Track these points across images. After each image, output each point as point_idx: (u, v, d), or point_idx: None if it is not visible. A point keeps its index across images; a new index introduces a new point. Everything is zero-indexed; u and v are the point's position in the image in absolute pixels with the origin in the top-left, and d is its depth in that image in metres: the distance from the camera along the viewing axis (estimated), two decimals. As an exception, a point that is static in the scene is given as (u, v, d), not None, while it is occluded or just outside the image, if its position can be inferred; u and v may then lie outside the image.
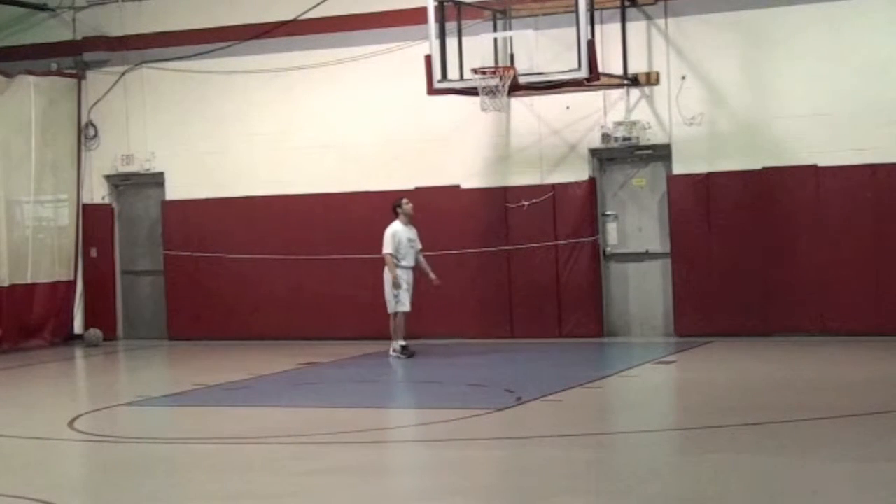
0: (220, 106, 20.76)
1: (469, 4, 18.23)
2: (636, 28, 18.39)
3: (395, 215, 17.57)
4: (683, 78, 18.29)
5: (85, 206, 21.76)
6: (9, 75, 21.02)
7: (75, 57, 21.56)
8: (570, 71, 16.75)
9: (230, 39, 20.54)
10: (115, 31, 21.39)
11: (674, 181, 18.43)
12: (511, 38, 17.72)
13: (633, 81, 18.35)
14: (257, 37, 20.33)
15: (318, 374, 16.56)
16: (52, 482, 10.37)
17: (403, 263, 17.38)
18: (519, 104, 18.91)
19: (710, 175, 18.19)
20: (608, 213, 18.98)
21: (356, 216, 19.38)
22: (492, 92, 16.86)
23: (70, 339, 21.57)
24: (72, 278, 21.68)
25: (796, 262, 17.76)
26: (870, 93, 17.38)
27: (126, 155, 21.42)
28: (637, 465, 10.30)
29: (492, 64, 17.17)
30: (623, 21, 18.26)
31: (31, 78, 21.13)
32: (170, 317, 21.20)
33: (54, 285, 21.42)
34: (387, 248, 17.36)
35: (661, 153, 18.61)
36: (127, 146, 21.43)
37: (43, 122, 21.22)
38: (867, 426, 11.32)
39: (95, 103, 21.59)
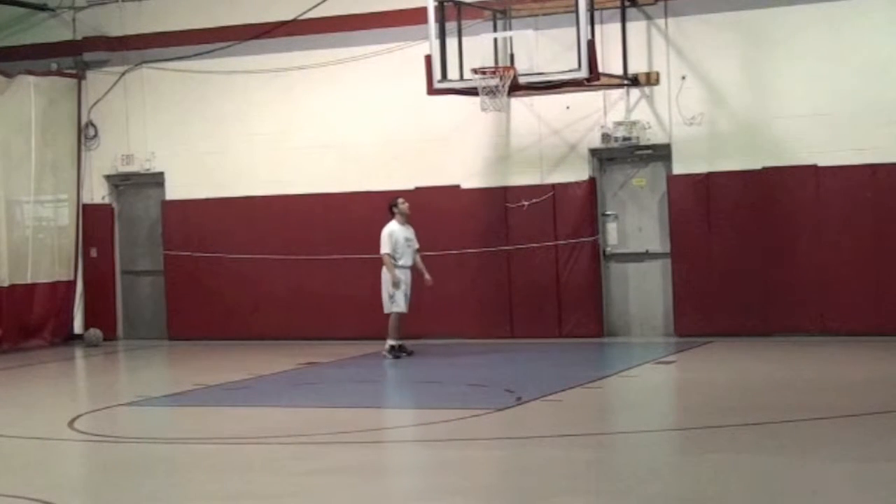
0: (220, 106, 20.76)
1: (469, 4, 18.23)
2: (636, 28, 18.39)
3: (392, 215, 17.56)
4: (683, 78, 18.29)
5: (85, 206, 21.76)
6: (9, 75, 21.02)
7: (75, 57, 21.56)
8: (570, 71, 16.75)
9: (230, 39, 20.54)
10: (115, 31, 21.39)
11: (674, 181, 18.43)
12: (511, 38, 17.72)
13: (633, 81, 18.35)
14: (257, 37, 20.33)
15: (318, 374, 16.56)
16: (52, 482, 10.37)
17: (401, 263, 17.36)
18: (519, 104, 18.91)
19: (710, 175, 18.19)
20: (608, 213, 18.98)
21: (356, 216, 19.38)
22: (492, 92, 16.86)
23: (70, 339, 21.57)
24: (72, 278, 21.68)
25: (796, 262, 17.76)
26: (870, 93, 17.38)
27: (126, 155, 21.42)
28: (637, 465, 10.30)
29: (492, 64, 17.17)
30: (623, 21, 18.26)
31: (31, 78, 21.13)
32: (170, 317, 21.20)
33: (54, 285, 21.42)
34: (384, 249, 17.35)
35: (661, 153, 18.61)
36: (127, 146, 21.43)
37: (43, 122, 21.22)
38: (867, 426, 11.32)
39: (95, 103, 21.59)
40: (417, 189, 19.32)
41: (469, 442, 11.45)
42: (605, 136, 18.67)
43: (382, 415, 13.89)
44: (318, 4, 19.79)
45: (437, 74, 17.31)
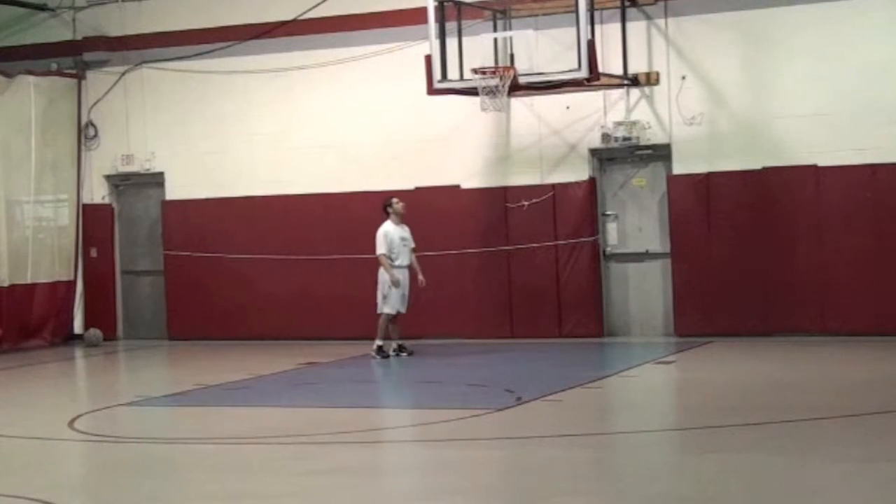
0: (220, 106, 20.76)
1: (469, 4, 18.23)
2: (636, 28, 18.39)
3: (387, 215, 17.55)
4: (683, 78, 18.29)
5: (85, 206, 21.76)
6: (9, 75, 21.01)
7: (75, 57, 21.56)
8: (570, 71, 16.75)
9: (230, 39, 20.54)
10: (115, 31, 21.39)
11: (674, 181, 18.43)
12: (511, 38, 17.71)
13: (633, 81, 18.35)
14: (257, 37, 20.33)
15: (318, 374, 16.56)
16: (52, 482, 10.37)
17: (397, 263, 17.34)
18: (519, 104, 18.91)
19: (710, 175, 18.19)
20: (608, 213, 18.97)
21: (356, 216, 19.36)
22: (492, 92, 16.86)
23: (70, 339, 21.57)
24: (72, 278, 21.68)
25: (796, 262, 17.76)
26: (870, 93, 17.38)
27: (126, 155, 21.42)
28: (637, 465, 10.31)
29: (492, 64, 17.17)
30: (623, 21, 18.26)
31: (31, 78, 21.13)
32: (170, 317, 21.20)
33: (54, 285, 21.42)
34: (380, 249, 17.34)
35: (661, 153, 18.61)
36: (127, 146, 21.43)
37: (43, 122, 21.22)
38: (867, 426, 11.32)
39: (95, 103, 21.59)
40: (417, 189, 19.32)
41: (469, 442, 11.45)
42: (605, 136, 18.67)
43: (382, 415, 13.89)
44: (318, 4, 19.79)
45: (437, 74, 17.31)
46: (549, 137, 19.00)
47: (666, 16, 18.34)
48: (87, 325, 21.50)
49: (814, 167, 17.64)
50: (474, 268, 19.28)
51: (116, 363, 19.84)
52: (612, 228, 18.95)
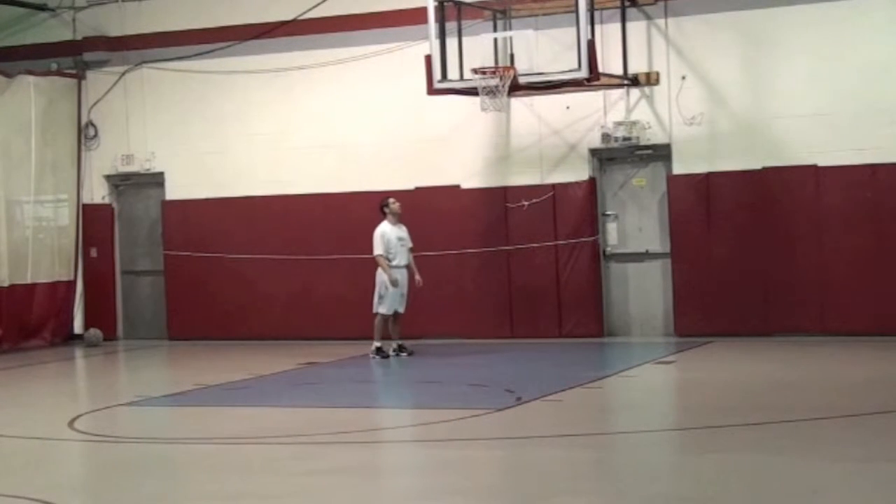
0: (220, 106, 20.76)
1: (469, 4, 18.23)
2: (636, 28, 18.39)
3: (383, 215, 17.54)
4: (683, 78, 18.29)
5: (85, 206, 21.76)
6: (9, 75, 21.02)
7: (75, 57, 21.56)
8: (570, 71, 16.75)
9: (230, 39, 20.54)
10: (115, 31, 21.40)
11: (674, 181, 18.43)
12: (511, 38, 17.71)
13: (633, 81, 18.35)
14: (257, 37, 20.33)
15: (318, 374, 16.56)
16: (52, 482, 10.36)
17: (395, 263, 17.33)
18: (519, 104, 18.91)
19: (710, 175, 18.19)
20: (608, 213, 18.98)
21: (356, 216, 19.35)
22: (492, 92, 16.86)
23: (70, 339, 21.57)
24: (72, 278, 21.68)
25: (796, 262, 17.76)
26: (870, 93, 17.38)
27: (126, 155, 21.43)
28: (637, 465, 10.31)
29: (492, 64, 17.17)
30: (623, 21, 18.26)
31: (31, 78, 21.14)
32: (170, 317, 21.20)
33: (54, 285, 21.42)
34: (377, 250, 17.33)
35: (661, 153, 18.61)
36: (127, 146, 21.43)
37: (43, 122, 21.22)
38: (867, 426, 11.32)
39: (95, 103, 21.59)
40: (417, 189, 19.33)
41: (469, 442, 11.45)
42: (605, 136, 18.67)
43: (382, 415, 13.89)
44: (318, 4, 19.80)
45: (437, 74, 17.31)
46: (549, 137, 19.00)
47: (666, 16, 18.34)
48: (87, 325, 21.51)
49: (814, 167, 17.64)
50: (474, 268, 19.28)
51: (116, 363, 19.84)
52: (612, 228, 18.95)
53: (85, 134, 21.71)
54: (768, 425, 11.40)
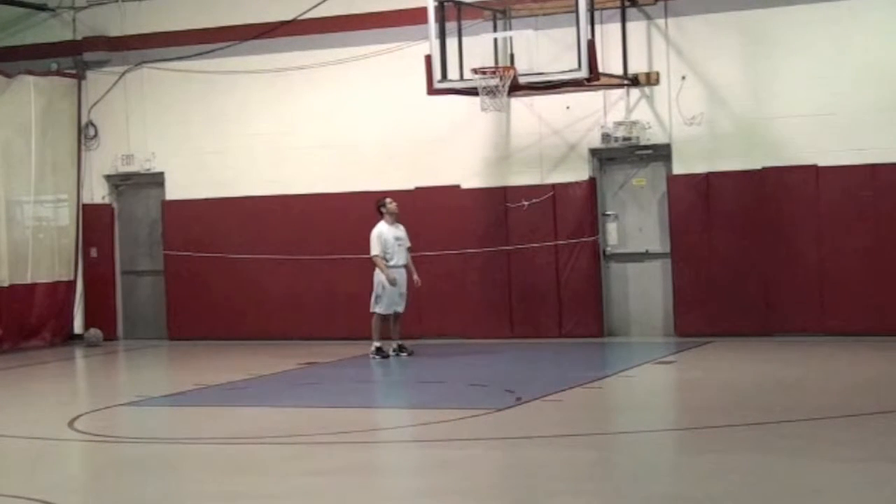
0: (220, 106, 20.76)
1: (469, 4, 18.23)
2: (636, 28, 18.39)
3: (380, 215, 17.53)
4: (683, 78, 18.29)
5: (85, 206, 21.76)
6: (9, 75, 21.02)
7: (75, 57, 21.56)
8: (570, 71, 16.75)
9: (230, 39, 20.54)
10: (115, 31, 21.40)
11: (674, 181, 18.43)
12: (511, 38, 17.73)
13: (633, 81, 18.35)
14: (258, 37, 20.33)
15: (318, 374, 16.56)
16: (52, 482, 10.37)
17: (392, 263, 17.31)
18: (519, 104, 18.91)
19: (710, 175, 18.19)
20: (608, 213, 18.97)
21: (356, 216, 19.33)
22: (492, 92, 16.86)
23: (70, 339, 21.57)
24: (72, 278, 21.68)
25: (796, 262, 17.76)
26: (870, 93, 17.38)
27: (126, 155, 21.43)
28: (637, 465, 10.31)
29: (492, 64, 17.18)
30: (623, 21, 18.26)
31: (31, 78, 21.13)
32: (170, 317, 21.20)
33: (54, 285, 21.42)
34: (374, 251, 17.31)
35: (661, 153, 18.61)
36: (127, 146, 21.43)
37: (43, 122, 21.22)
38: (867, 426, 11.32)
39: (95, 103, 21.59)
40: (417, 189, 19.33)
41: (469, 442, 11.44)
42: (605, 136, 18.67)
43: (382, 415, 13.89)
44: (318, 4, 19.80)
45: (437, 74, 17.31)
46: (549, 137, 19.00)
47: (666, 16, 18.34)
48: (87, 325, 21.51)
49: (814, 167, 17.64)
50: (474, 268, 19.28)
51: (116, 363, 19.84)
52: (612, 228, 18.95)
53: (85, 134, 21.71)
54: (768, 425, 11.40)
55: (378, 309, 17.37)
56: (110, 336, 21.35)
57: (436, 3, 17.28)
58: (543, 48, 17.36)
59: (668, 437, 11.75)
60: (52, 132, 21.37)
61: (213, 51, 20.64)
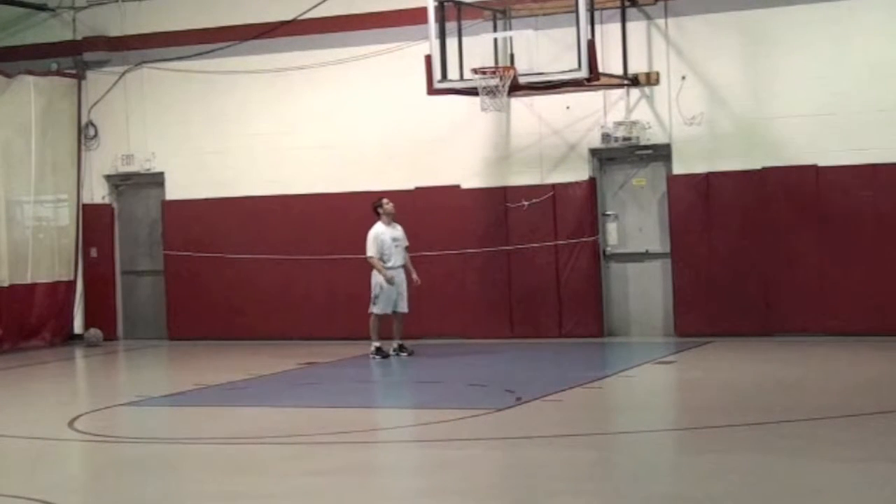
0: (220, 106, 20.76)
1: (469, 4, 18.23)
2: (636, 28, 18.39)
3: (377, 216, 17.52)
4: (683, 78, 18.29)
5: (85, 206, 21.76)
6: (9, 75, 21.02)
7: (75, 57, 21.56)
8: (570, 71, 16.75)
9: (231, 39, 20.54)
10: (115, 31, 21.40)
11: (674, 181, 18.43)
12: (511, 38, 17.73)
13: (633, 81, 18.35)
14: (258, 37, 20.33)
15: (318, 374, 16.56)
16: (52, 482, 10.37)
17: (390, 263, 17.29)
18: (519, 104, 18.91)
19: (710, 175, 18.19)
20: (608, 213, 18.97)
21: (356, 216, 19.31)
22: (492, 92, 16.86)
23: (70, 339, 21.57)
24: (72, 278, 21.68)
25: (796, 262, 17.75)
26: (870, 93, 17.38)
27: (126, 155, 21.43)
28: (637, 465, 10.31)
29: (492, 64, 17.18)
30: (623, 21, 18.26)
31: (31, 78, 21.13)
32: (170, 317, 21.20)
33: (54, 285, 21.42)
34: (370, 252, 17.29)
35: (661, 153, 18.61)
36: (127, 146, 21.43)
37: (43, 122, 21.22)
38: (867, 426, 11.32)
39: (95, 103, 21.60)
40: (417, 189, 19.33)
41: (469, 442, 11.44)
42: (605, 136, 18.66)
43: (382, 415, 13.89)
44: (318, 4, 19.80)
45: (437, 74, 17.31)
46: (549, 137, 19.00)
47: (666, 16, 18.34)
48: (87, 325, 21.51)
49: (814, 167, 17.64)
50: (474, 268, 19.28)
51: (116, 363, 19.84)
52: (612, 228, 18.95)
53: (85, 134, 21.71)
54: (768, 425, 11.40)
55: (375, 309, 17.37)
56: (110, 336, 21.35)
57: (436, 3, 17.28)
58: (543, 48, 17.36)
59: (668, 437, 11.75)
60: (52, 132, 21.37)
61: (213, 51, 20.64)
